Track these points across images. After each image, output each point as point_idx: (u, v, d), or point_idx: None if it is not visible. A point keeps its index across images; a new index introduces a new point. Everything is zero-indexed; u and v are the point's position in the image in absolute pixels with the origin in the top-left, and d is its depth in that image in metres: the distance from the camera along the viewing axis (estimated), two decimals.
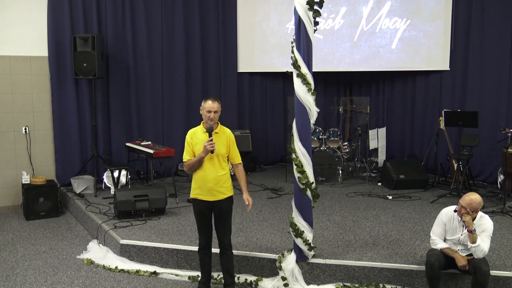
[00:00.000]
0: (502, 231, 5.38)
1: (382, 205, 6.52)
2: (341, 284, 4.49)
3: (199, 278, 4.41)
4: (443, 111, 7.60)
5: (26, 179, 6.86)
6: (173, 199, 6.67)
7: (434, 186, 7.47)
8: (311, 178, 4.37)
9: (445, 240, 4.24)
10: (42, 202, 6.74)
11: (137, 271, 4.86)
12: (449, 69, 8.12)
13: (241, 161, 4.31)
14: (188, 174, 7.85)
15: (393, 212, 6.20)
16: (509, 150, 6.41)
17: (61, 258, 5.26)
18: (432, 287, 4.11)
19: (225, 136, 4.18)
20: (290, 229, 4.46)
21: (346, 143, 8.36)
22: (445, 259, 4.12)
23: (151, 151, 6.63)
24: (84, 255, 5.29)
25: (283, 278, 4.43)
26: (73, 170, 7.41)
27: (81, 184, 7.09)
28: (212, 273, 4.69)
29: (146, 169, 7.60)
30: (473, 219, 4.05)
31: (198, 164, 4.09)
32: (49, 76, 7.26)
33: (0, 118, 7.00)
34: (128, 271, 4.87)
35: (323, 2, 4.30)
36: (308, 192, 4.36)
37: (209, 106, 4.05)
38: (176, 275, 4.78)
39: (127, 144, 7.30)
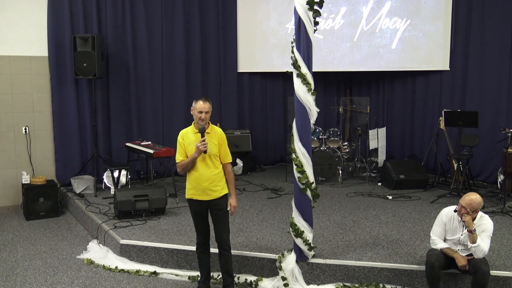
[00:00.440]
0: (502, 231, 5.38)
1: (382, 205, 6.52)
2: (341, 284, 4.49)
3: (199, 278, 4.41)
4: (443, 111, 7.60)
5: (26, 179, 6.86)
6: (173, 199, 6.67)
7: (434, 186, 7.47)
8: (311, 178, 4.37)
9: (445, 240, 4.24)
10: (42, 202, 6.74)
11: (137, 271, 4.86)
12: (449, 69, 8.12)
13: (231, 161, 4.31)
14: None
15: (393, 212, 6.20)
16: (509, 150, 6.41)
17: (61, 258, 5.26)
18: (432, 287, 4.11)
19: (217, 136, 4.18)
20: (290, 229, 4.46)
21: (346, 143, 8.36)
22: (445, 259, 4.12)
23: (151, 151, 6.63)
24: (84, 255, 5.29)
25: (283, 278, 4.43)
26: (73, 170, 7.41)
27: (81, 184, 7.09)
28: (212, 273, 4.70)
29: (146, 169, 7.61)
30: (473, 219, 4.05)
31: (191, 164, 4.09)
32: (49, 76, 7.26)
33: (0, 118, 7.00)
34: (128, 271, 4.87)
35: (323, 2, 4.30)
36: (308, 192, 4.36)
37: (200, 106, 4.06)
38: (176, 275, 4.78)
39: (127, 144, 7.30)
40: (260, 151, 9.25)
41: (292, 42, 4.36)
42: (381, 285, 4.42)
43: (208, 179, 4.10)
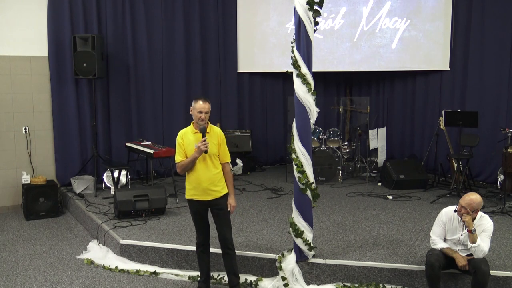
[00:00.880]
0: (502, 231, 5.38)
1: (382, 205, 6.52)
2: (341, 284, 4.49)
3: (199, 278, 4.41)
4: (443, 111, 7.61)
5: (26, 179, 6.86)
6: (173, 199, 6.67)
7: (434, 186, 7.47)
8: (311, 178, 4.37)
9: (445, 240, 4.24)
10: (42, 202, 6.74)
11: (137, 271, 4.86)
12: (449, 69, 8.12)
13: (230, 160, 4.31)
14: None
15: (393, 212, 6.20)
16: (509, 150, 6.41)
17: (61, 258, 5.26)
18: (432, 287, 4.11)
19: (216, 135, 4.18)
20: (290, 229, 4.46)
21: (346, 143, 8.36)
22: (445, 259, 4.12)
23: (151, 151, 6.63)
24: (84, 255, 5.29)
25: (283, 278, 4.43)
26: (73, 170, 7.41)
27: (81, 184, 7.09)
28: (212, 273, 4.70)
29: (146, 169, 7.61)
30: (473, 219, 4.05)
31: (191, 165, 4.09)
32: (49, 76, 7.26)
33: (0, 118, 7.00)
34: (128, 271, 4.87)
35: (323, 2, 4.30)
36: (308, 192, 4.36)
37: (200, 106, 4.06)
38: (176, 275, 4.78)
39: (127, 144, 7.30)
40: (260, 151, 9.26)
41: (292, 42, 4.36)
42: (381, 285, 4.42)
43: (208, 179, 4.11)
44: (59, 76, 7.27)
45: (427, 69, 8.36)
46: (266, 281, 4.60)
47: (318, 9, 4.29)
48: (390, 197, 6.88)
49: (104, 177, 7.32)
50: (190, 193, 4.19)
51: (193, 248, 4.87)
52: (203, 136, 4.03)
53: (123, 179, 7.12)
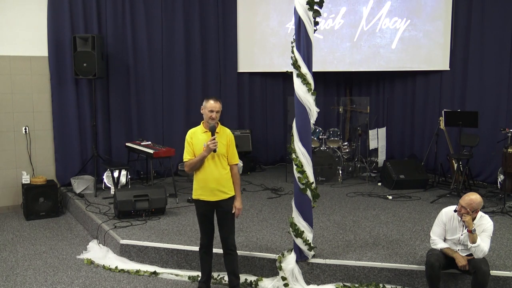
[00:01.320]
0: (502, 231, 5.38)
1: (382, 205, 6.52)
2: (341, 284, 4.49)
3: (199, 278, 4.41)
4: (443, 111, 7.61)
5: (26, 179, 6.86)
6: (173, 199, 6.67)
7: (434, 186, 7.47)
8: (311, 178, 4.37)
9: (445, 240, 4.24)
10: (42, 202, 6.74)
11: (137, 271, 4.86)
12: (449, 69, 8.12)
13: (238, 162, 4.29)
14: (188, 174, 7.86)
15: (393, 212, 6.20)
16: (509, 150, 6.41)
17: (61, 258, 5.26)
18: (432, 287, 4.11)
19: (226, 136, 4.18)
20: (290, 229, 4.46)
21: (346, 143, 8.36)
22: (445, 259, 4.12)
23: (151, 151, 6.63)
24: (84, 255, 5.29)
25: (283, 278, 4.43)
26: (73, 170, 7.41)
27: (81, 184, 7.09)
28: (212, 273, 4.69)
29: (146, 169, 7.60)
30: (473, 219, 4.05)
31: (199, 163, 4.08)
32: (49, 76, 7.26)
33: (0, 118, 7.00)
34: (128, 271, 4.87)
35: (323, 2, 4.30)
36: (308, 192, 4.36)
37: (211, 105, 4.05)
38: (176, 275, 4.78)
39: (127, 144, 7.30)
40: (260, 151, 9.26)
41: (292, 42, 4.36)
42: (381, 285, 4.42)
43: (216, 180, 4.09)
44: (59, 76, 7.27)
45: (427, 69, 8.36)
46: (266, 281, 4.60)
47: (318, 9, 4.29)
48: (390, 197, 6.88)
49: (104, 177, 7.32)
50: (197, 192, 4.16)
51: (193, 248, 4.89)
52: (213, 134, 4.02)
53: (123, 179, 7.12)
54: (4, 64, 6.99)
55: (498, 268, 4.37)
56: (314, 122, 4.42)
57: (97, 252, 5.32)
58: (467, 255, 4.10)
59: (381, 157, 8.31)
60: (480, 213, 4.11)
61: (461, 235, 4.13)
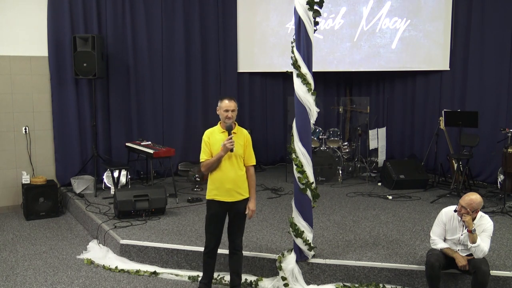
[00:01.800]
0: (502, 231, 5.38)
1: (382, 205, 6.52)
2: (341, 284, 4.49)
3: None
4: (443, 111, 7.61)
5: (26, 179, 6.86)
6: (173, 199, 6.67)
7: (434, 186, 7.47)
8: (311, 178, 4.37)
9: (445, 240, 4.24)
10: (42, 202, 6.74)
11: (137, 271, 4.86)
12: (449, 69, 8.12)
13: (255, 163, 4.26)
14: (188, 174, 7.86)
15: (393, 212, 6.20)
16: (509, 150, 6.41)
17: (61, 258, 5.26)
18: (432, 287, 4.11)
19: (243, 137, 4.14)
20: (290, 229, 4.46)
21: (346, 143, 8.36)
22: (445, 259, 4.12)
23: (151, 151, 6.63)
24: (84, 255, 5.29)
25: (283, 278, 4.43)
26: (73, 170, 7.41)
27: (81, 184, 7.09)
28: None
29: (146, 169, 7.60)
30: (473, 219, 4.05)
31: (216, 164, 4.03)
32: (49, 76, 7.25)
33: (0, 118, 7.00)
34: (128, 271, 4.87)
35: (323, 2, 4.30)
36: (308, 192, 4.36)
37: (226, 105, 4.02)
38: (176, 275, 4.78)
39: (127, 144, 7.30)
40: (260, 151, 9.24)
41: (292, 42, 4.36)
42: (381, 285, 4.42)
43: (232, 180, 4.05)
44: (59, 76, 7.27)
45: (427, 69, 8.36)
46: (266, 281, 4.60)
47: (318, 9, 4.30)
48: (390, 197, 6.88)
49: (104, 177, 7.32)
50: (212, 193, 4.10)
51: (193, 248, 4.89)
52: (229, 134, 4.00)
53: (123, 179, 7.12)
54: (4, 64, 6.99)
55: (498, 268, 4.37)
56: (314, 122, 4.43)
57: (97, 252, 5.32)
58: (467, 255, 4.10)
59: (381, 157, 8.31)
60: (480, 213, 4.11)
61: (461, 235, 4.13)
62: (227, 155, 4.01)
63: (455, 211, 4.14)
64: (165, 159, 7.15)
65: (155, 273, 4.82)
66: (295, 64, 4.30)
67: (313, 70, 4.37)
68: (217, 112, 4.11)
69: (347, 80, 9.61)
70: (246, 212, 4.19)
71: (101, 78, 7.40)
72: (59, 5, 7.17)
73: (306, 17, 4.23)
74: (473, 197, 4.02)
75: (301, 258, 4.52)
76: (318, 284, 4.52)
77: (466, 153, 7.21)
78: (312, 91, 4.32)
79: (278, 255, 4.59)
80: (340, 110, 8.68)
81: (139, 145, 7.04)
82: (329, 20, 8.57)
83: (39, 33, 7.14)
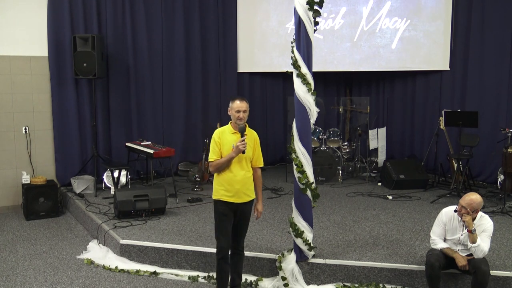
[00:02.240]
0: (502, 231, 5.38)
1: (382, 205, 6.52)
2: (341, 284, 4.49)
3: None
4: (443, 111, 7.60)
5: (26, 179, 6.86)
6: (173, 199, 6.67)
7: (434, 186, 7.47)
8: (311, 178, 4.37)
9: (445, 240, 4.24)
10: (42, 202, 6.74)
11: (137, 271, 4.86)
12: (449, 69, 8.12)
13: (262, 165, 4.22)
14: (188, 174, 7.86)
15: (393, 212, 6.20)
16: (509, 150, 6.41)
17: (61, 258, 5.26)
18: (432, 287, 4.11)
19: (253, 139, 4.12)
20: (290, 229, 4.46)
21: (346, 143, 8.36)
22: (445, 259, 4.12)
23: (151, 151, 6.63)
24: (84, 255, 5.29)
25: (283, 278, 4.44)
26: (73, 170, 7.41)
27: (81, 184, 7.09)
28: (212, 273, 4.70)
29: (146, 169, 7.60)
30: (473, 219, 4.05)
31: (226, 164, 3.98)
32: (49, 76, 7.25)
33: (0, 118, 7.00)
34: (128, 271, 4.87)
35: (323, 2, 4.31)
36: (308, 192, 4.36)
37: (238, 106, 3.98)
38: (176, 275, 4.78)
39: (127, 144, 7.29)
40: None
41: (292, 42, 4.36)
42: (381, 285, 4.42)
43: (242, 181, 4.02)
44: (59, 76, 7.27)
45: (427, 69, 8.36)
46: (266, 281, 4.60)
47: (318, 9, 4.30)
48: (390, 197, 6.88)
49: (104, 177, 7.32)
50: (220, 193, 4.04)
51: (193, 248, 4.90)
52: (242, 136, 3.96)
53: (123, 179, 7.12)
54: (4, 64, 6.99)
55: (498, 268, 4.37)
56: (314, 122, 4.42)
57: (97, 252, 5.32)
58: (467, 255, 4.10)
59: (381, 157, 8.31)
60: (480, 213, 4.11)
61: (461, 235, 4.13)
62: (237, 157, 3.97)
63: (455, 211, 4.14)
64: (165, 159, 7.15)
65: (155, 273, 4.82)
66: (295, 64, 4.30)
67: (313, 70, 4.37)
68: (228, 113, 4.07)
69: (347, 80, 9.61)
70: (254, 214, 4.17)
71: (101, 78, 7.40)
72: (59, 5, 7.17)
73: (306, 17, 4.23)
74: (473, 197, 4.02)
75: (301, 258, 4.52)
76: (318, 284, 4.52)
77: (466, 153, 7.21)
78: (312, 91, 4.32)
79: (278, 255, 4.59)
80: (340, 110, 8.68)
81: (139, 145, 7.04)
82: (329, 20, 8.57)
83: (39, 33, 7.14)
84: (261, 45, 8.90)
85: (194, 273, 4.75)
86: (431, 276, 4.07)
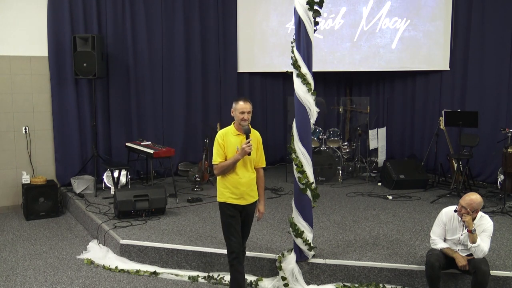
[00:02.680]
0: (502, 231, 5.38)
1: (382, 205, 6.52)
2: (341, 284, 4.49)
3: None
4: (443, 111, 7.60)
5: (26, 179, 6.86)
6: (173, 199, 6.67)
7: (434, 186, 7.47)
8: (311, 178, 4.37)
9: (445, 240, 4.24)
10: (42, 202, 6.74)
11: (137, 271, 4.86)
12: (449, 69, 8.12)
13: (265, 165, 4.20)
14: (188, 174, 7.86)
15: (393, 212, 6.20)
16: (509, 150, 6.41)
17: (61, 258, 5.26)
18: (432, 287, 4.11)
19: (256, 140, 4.08)
20: (290, 229, 4.46)
21: (346, 143, 8.35)
22: (445, 259, 4.12)
23: (151, 151, 6.63)
24: (84, 255, 5.29)
25: (283, 278, 4.44)
26: (73, 170, 7.41)
27: (81, 184, 7.09)
28: (212, 273, 4.70)
29: (146, 169, 7.60)
30: (473, 219, 4.05)
31: (231, 166, 3.93)
32: (49, 76, 7.25)
33: (0, 118, 7.00)
34: (128, 271, 4.87)
35: (323, 2, 4.30)
36: (308, 192, 4.36)
37: (242, 107, 3.94)
38: (176, 275, 4.78)
39: (127, 144, 7.30)
40: None
41: (292, 42, 4.36)
42: (381, 285, 4.42)
43: (247, 183, 3.99)
44: (59, 76, 7.27)
45: (427, 69, 8.36)
46: (266, 281, 4.60)
47: (318, 9, 4.30)
48: (390, 197, 6.88)
49: (104, 177, 7.32)
50: (225, 196, 4.00)
51: (193, 248, 4.89)
52: (247, 137, 3.90)
53: (123, 179, 7.12)
54: (4, 64, 6.99)
55: (498, 268, 4.37)
56: (314, 122, 4.42)
57: (97, 252, 5.32)
58: (467, 255, 4.10)
59: (381, 157, 8.31)
60: (480, 213, 4.11)
61: (461, 235, 4.13)
62: (242, 159, 3.92)
63: (455, 211, 4.14)
64: (165, 159, 7.15)
65: (155, 273, 4.82)
66: (295, 64, 4.30)
67: (313, 70, 4.37)
68: (232, 114, 4.03)
69: (347, 80, 9.61)
70: (256, 214, 4.16)
71: (101, 78, 7.40)
72: (59, 5, 7.17)
73: (306, 17, 4.23)
74: (473, 197, 4.02)
75: (301, 258, 4.52)
76: (318, 284, 4.52)
77: (466, 153, 7.21)
78: (312, 91, 4.32)
79: (278, 255, 4.59)
80: (340, 110, 8.67)
81: (139, 145, 7.04)
82: (329, 20, 8.57)
83: (39, 33, 7.14)
84: (261, 45, 8.90)
85: (194, 273, 4.75)
86: (431, 276, 4.07)
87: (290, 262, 4.48)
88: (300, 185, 4.35)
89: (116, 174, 6.97)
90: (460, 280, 4.29)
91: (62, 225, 6.48)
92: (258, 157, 4.12)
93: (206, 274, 4.74)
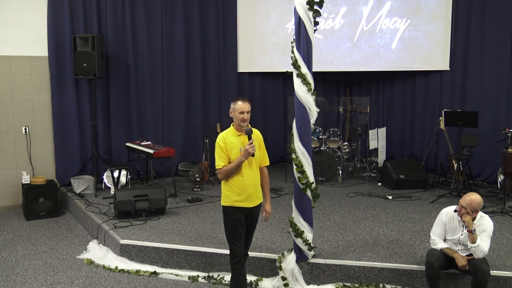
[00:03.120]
0: (502, 231, 5.38)
1: (382, 205, 6.52)
2: (341, 284, 4.49)
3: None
4: (443, 111, 7.60)
5: (26, 179, 6.86)
6: (173, 199, 6.67)
7: (434, 186, 7.47)
8: (311, 178, 4.37)
9: (445, 240, 4.24)
10: (42, 202, 6.74)
11: (137, 271, 4.86)
12: (449, 69, 8.12)
13: (269, 164, 4.14)
14: (188, 174, 7.86)
15: (393, 212, 6.20)
16: (509, 150, 6.41)
17: (61, 258, 5.26)
18: (432, 287, 4.11)
19: (258, 138, 4.01)
20: (290, 229, 4.46)
21: (346, 143, 8.35)
22: (445, 259, 4.12)
23: (151, 151, 6.63)
24: (84, 255, 5.29)
25: (283, 278, 4.43)
26: (73, 170, 7.41)
27: (81, 184, 7.09)
28: (212, 273, 4.70)
29: (146, 169, 7.60)
30: (473, 219, 4.05)
31: (236, 169, 3.82)
32: (49, 76, 7.26)
33: (0, 118, 7.00)
34: (128, 271, 4.87)
35: (323, 2, 4.30)
36: (308, 192, 4.36)
37: (241, 107, 3.82)
38: (176, 275, 4.78)
39: (127, 144, 7.30)
40: None
41: (292, 42, 4.36)
42: (381, 285, 4.42)
43: (253, 185, 3.91)
44: (59, 76, 7.27)
45: (427, 69, 8.36)
46: (266, 281, 4.60)
47: (318, 9, 4.30)
48: (390, 197, 6.88)
49: (104, 177, 7.32)
50: (232, 199, 3.88)
51: (193, 248, 4.89)
52: (250, 138, 3.80)
53: (123, 179, 7.12)
54: (4, 64, 6.99)
55: (498, 268, 4.37)
56: (314, 122, 4.42)
57: (97, 252, 5.32)
58: (467, 255, 4.10)
59: (381, 157, 8.31)
60: (480, 213, 4.11)
61: (461, 235, 4.13)
62: (246, 160, 3.82)
63: (455, 211, 4.14)
64: (165, 159, 7.15)
65: (155, 273, 4.82)
66: (295, 64, 4.30)
67: (313, 70, 4.36)
68: (230, 115, 3.93)
69: (347, 80, 9.61)
70: (263, 215, 4.11)
71: (101, 78, 7.40)
72: (59, 5, 7.17)
73: (306, 17, 4.23)
74: (473, 197, 4.02)
75: (301, 258, 4.52)
76: (318, 284, 4.52)
77: (466, 153, 7.21)
78: (312, 91, 4.32)
79: (278, 255, 4.59)
80: (340, 110, 8.67)
81: (139, 145, 7.04)
82: (329, 20, 8.57)
83: (39, 33, 7.14)
84: (261, 45, 8.90)
85: (194, 273, 4.75)
86: (431, 276, 4.07)
87: (290, 262, 4.48)
88: (300, 185, 4.35)
89: (116, 174, 6.97)
90: (460, 280, 4.29)
91: (62, 225, 6.48)
92: (261, 155, 4.06)
93: (206, 274, 4.74)
